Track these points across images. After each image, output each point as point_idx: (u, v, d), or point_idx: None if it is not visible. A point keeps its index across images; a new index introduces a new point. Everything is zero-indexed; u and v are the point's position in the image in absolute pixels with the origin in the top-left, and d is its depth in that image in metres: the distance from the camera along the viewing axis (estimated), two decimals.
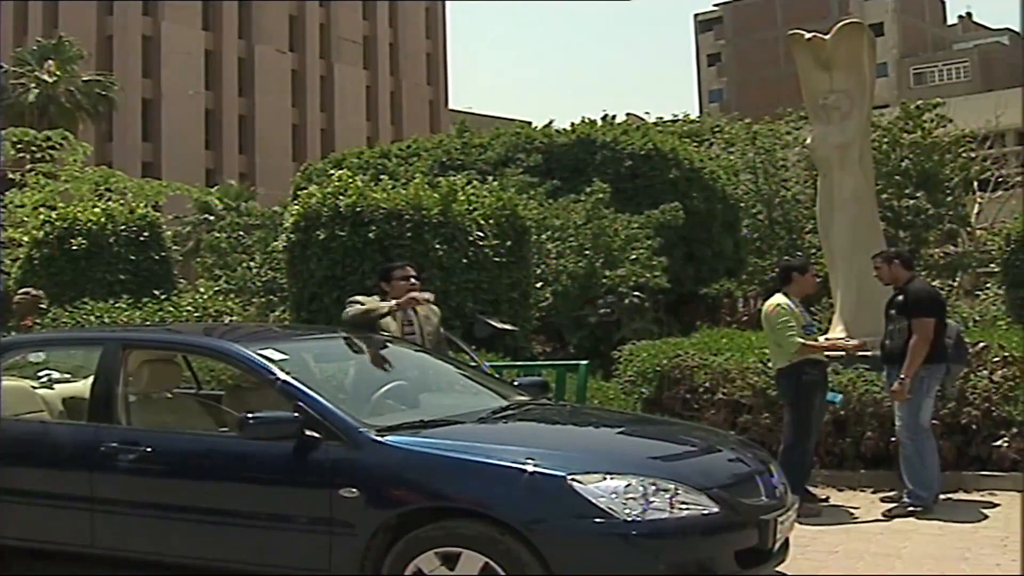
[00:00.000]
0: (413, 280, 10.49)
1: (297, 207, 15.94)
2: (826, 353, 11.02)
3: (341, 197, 15.29)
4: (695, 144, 31.88)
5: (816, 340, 10.84)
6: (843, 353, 11.62)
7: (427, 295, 10.15)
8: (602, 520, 6.31)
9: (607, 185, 22.19)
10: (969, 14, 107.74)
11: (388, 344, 9.21)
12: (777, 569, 7.28)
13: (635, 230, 21.14)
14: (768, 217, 28.89)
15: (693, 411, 12.32)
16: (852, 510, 10.53)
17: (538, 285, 17.96)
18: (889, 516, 10.22)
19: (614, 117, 31.09)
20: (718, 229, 26.08)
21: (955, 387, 11.20)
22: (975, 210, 33.31)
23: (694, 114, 49.30)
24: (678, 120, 42.59)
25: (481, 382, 9.08)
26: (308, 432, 6.96)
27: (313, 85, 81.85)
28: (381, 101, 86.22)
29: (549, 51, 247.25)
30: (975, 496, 10.91)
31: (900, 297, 10.73)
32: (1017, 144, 49.51)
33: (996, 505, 10.50)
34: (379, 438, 6.93)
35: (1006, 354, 11.80)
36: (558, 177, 24.16)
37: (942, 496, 10.52)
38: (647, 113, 55.26)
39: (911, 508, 10.24)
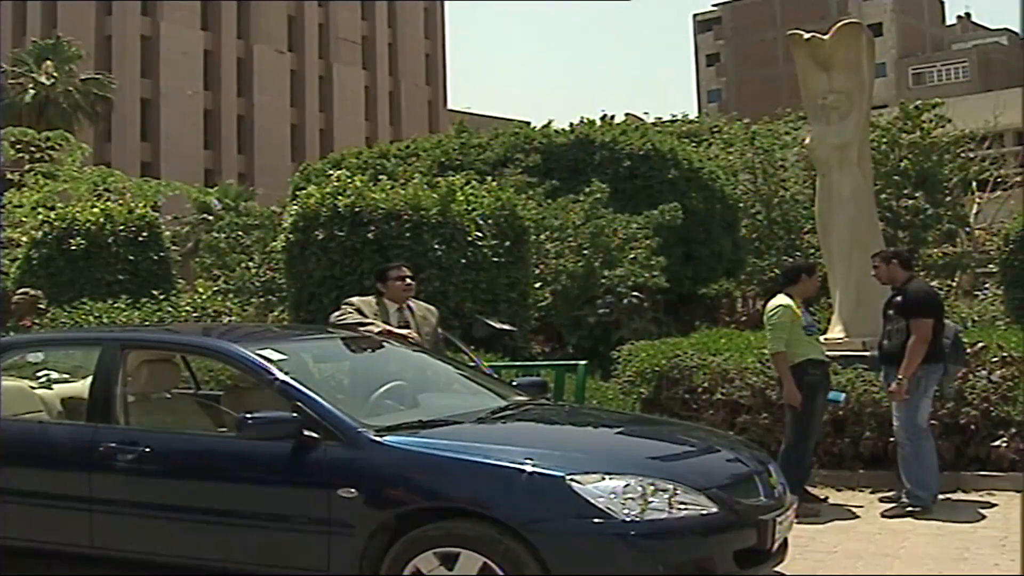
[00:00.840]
0: (408, 280, 10.50)
1: (296, 207, 15.95)
2: (826, 352, 11.06)
3: (340, 197, 15.29)
4: (694, 144, 31.85)
5: (817, 341, 10.89)
6: (842, 352, 11.67)
7: (412, 334, 10.07)
8: (601, 520, 6.31)
9: (606, 185, 22.16)
10: (968, 14, 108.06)
11: (386, 345, 9.24)
12: (776, 569, 7.29)
13: (634, 230, 21.13)
14: (767, 217, 28.90)
15: (692, 411, 12.30)
16: (851, 510, 10.53)
17: (537, 285, 17.94)
18: (888, 516, 10.23)
19: (613, 117, 31.04)
20: (717, 229, 26.05)
21: (953, 387, 11.18)
22: (974, 210, 33.33)
23: (693, 114, 49.29)
24: (677, 120, 42.60)
25: (480, 382, 9.07)
26: (307, 432, 6.96)
27: (312, 85, 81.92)
28: (380, 101, 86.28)
29: (548, 51, 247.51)
30: (974, 496, 10.91)
31: (898, 297, 10.74)
32: (1016, 144, 49.58)
33: (994, 505, 10.51)
34: (378, 438, 6.93)
35: (1004, 354, 11.81)
36: (557, 177, 24.12)
37: (941, 496, 10.51)
38: (646, 113, 55.48)
39: (910, 508, 10.24)
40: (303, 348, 8.68)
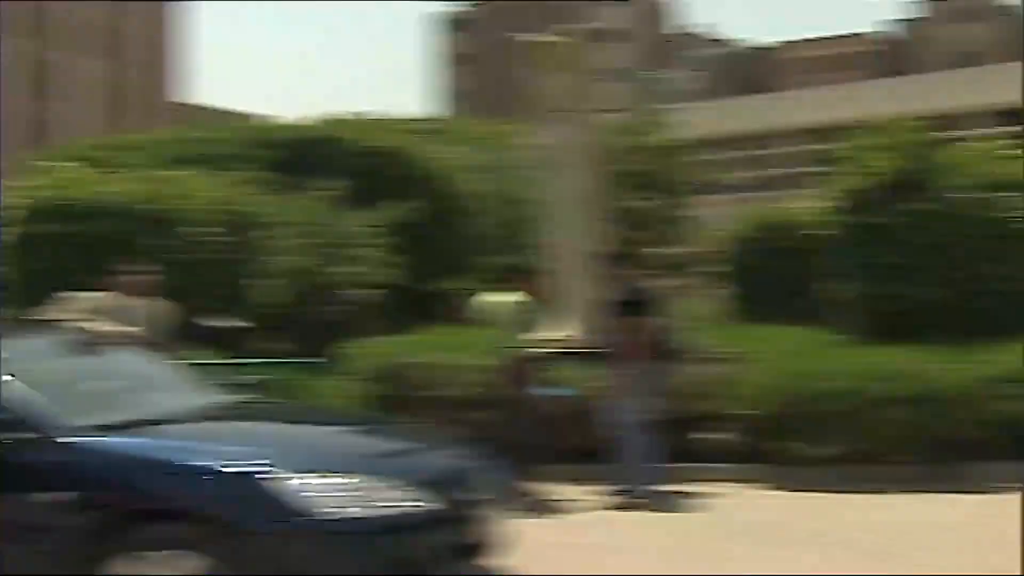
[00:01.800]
0: (144, 275, 10.39)
1: (12, 200, 15.51)
2: (553, 349, 11.25)
3: (56, 191, 14.90)
4: (431, 143, 31.93)
5: (543, 338, 11.02)
6: (568, 349, 11.88)
7: (136, 331, 9.81)
8: (302, 518, 6.24)
9: (339, 182, 21.98)
10: (708, 24, 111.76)
11: (104, 343, 8.91)
12: (489, 563, 7.24)
13: (363, 227, 21.04)
14: (499, 216, 29.10)
15: (416, 409, 12.24)
16: (571, 503, 10.65)
17: (263, 281, 17.72)
18: (613, 509, 10.42)
19: (351, 115, 30.93)
20: (449, 227, 26.12)
21: (674, 382, 11.41)
22: (703, 212, 34.28)
23: (431, 113, 49.60)
24: (414, 119, 42.70)
25: (193, 382, 8.84)
26: (9, 432, 6.67)
27: (45, 74, 79.77)
28: (114, 93, 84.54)
29: (290, 47, 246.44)
30: (695, 487, 11.11)
31: (621, 296, 10.94)
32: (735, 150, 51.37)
33: (716, 495, 10.80)
34: (82, 438, 6.71)
35: (721, 350, 12.17)
36: (289, 173, 23.81)
37: (663, 488, 10.73)
38: (383, 112, 55.41)
39: (631, 500, 10.47)
40: (10, 345, 8.26)
